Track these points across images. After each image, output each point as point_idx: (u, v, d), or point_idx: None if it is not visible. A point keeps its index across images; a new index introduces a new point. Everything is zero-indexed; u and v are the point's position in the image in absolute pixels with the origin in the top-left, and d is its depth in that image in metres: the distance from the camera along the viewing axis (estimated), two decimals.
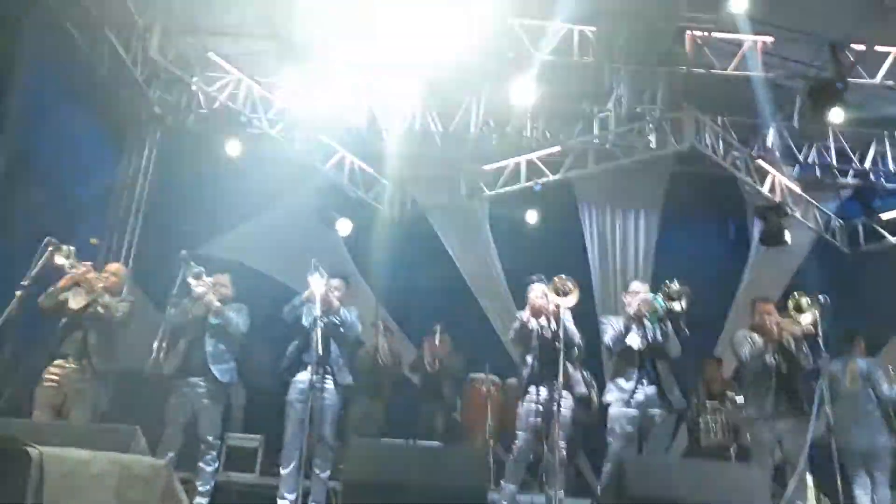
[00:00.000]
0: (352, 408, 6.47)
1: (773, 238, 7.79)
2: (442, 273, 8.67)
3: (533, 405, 4.67)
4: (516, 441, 4.73)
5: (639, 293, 4.99)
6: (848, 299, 7.17)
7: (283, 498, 4.76)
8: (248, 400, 6.25)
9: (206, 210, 7.98)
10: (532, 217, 8.21)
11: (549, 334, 4.75)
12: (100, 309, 4.73)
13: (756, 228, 8.45)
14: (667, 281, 4.91)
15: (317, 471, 4.83)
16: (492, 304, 8.43)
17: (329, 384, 4.87)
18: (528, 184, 8.24)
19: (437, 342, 6.97)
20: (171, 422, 4.86)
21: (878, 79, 7.04)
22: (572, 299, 4.71)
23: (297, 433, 4.76)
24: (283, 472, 4.79)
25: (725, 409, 6.45)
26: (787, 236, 7.78)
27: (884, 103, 8.00)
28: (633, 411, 4.63)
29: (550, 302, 4.77)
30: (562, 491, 4.55)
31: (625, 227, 9.12)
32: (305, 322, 4.85)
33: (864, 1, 6.55)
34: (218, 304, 5.01)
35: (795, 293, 5.01)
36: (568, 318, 4.80)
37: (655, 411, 4.67)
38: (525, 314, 4.88)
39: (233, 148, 7.31)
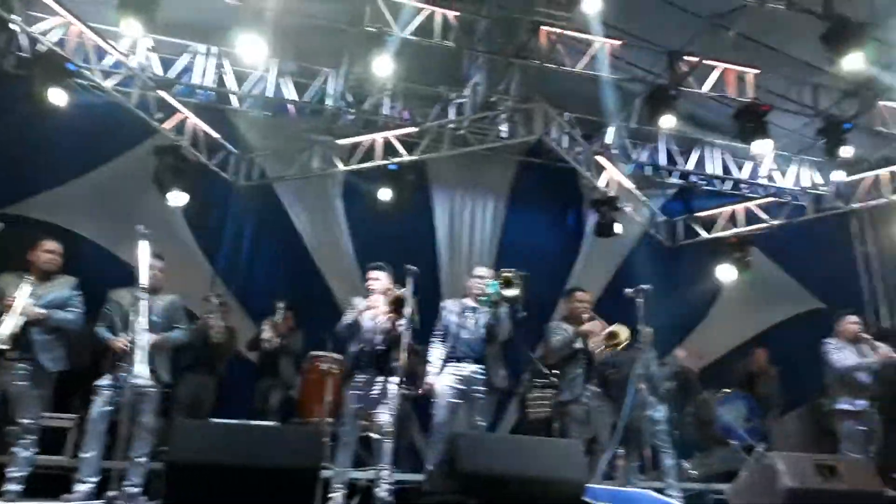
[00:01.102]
0: (180, 387, 6.13)
1: (604, 230, 8.35)
2: (288, 248, 8.40)
3: (358, 392, 4.70)
4: (342, 427, 4.76)
5: (483, 278, 5.15)
6: (666, 288, 7.90)
7: (81, 482, 4.42)
8: (61, 377, 5.71)
9: (23, 165, 7.16)
10: (385, 196, 8.16)
11: (382, 329, 4.79)
12: None
13: (590, 220, 9.01)
14: (503, 269, 5.09)
15: (134, 453, 4.52)
16: (339, 282, 8.30)
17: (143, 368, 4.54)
18: (383, 162, 8.19)
19: (279, 319, 6.78)
20: None
21: (705, 89, 7.74)
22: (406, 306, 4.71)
23: (102, 416, 4.46)
24: (82, 455, 4.48)
25: (553, 385, 6.86)
26: (618, 229, 8.38)
27: (708, 112, 8.84)
28: (458, 387, 4.79)
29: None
30: (389, 467, 4.64)
31: (473, 212, 9.37)
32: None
33: (698, 18, 7.16)
34: (41, 311, 4.51)
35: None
36: (407, 311, 4.85)
37: (479, 388, 4.87)
38: (355, 315, 4.83)
39: (58, 98, 6.55)
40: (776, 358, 8.10)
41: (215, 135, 8.10)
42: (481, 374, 4.90)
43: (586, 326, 5.43)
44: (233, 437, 3.71)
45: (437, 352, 4.93)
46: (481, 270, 5.25)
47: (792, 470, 3.74)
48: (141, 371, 4.27)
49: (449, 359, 4.88)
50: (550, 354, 5.82)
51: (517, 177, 9.50)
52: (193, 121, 7.90)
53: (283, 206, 8.53)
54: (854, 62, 6.31)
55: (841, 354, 5.70)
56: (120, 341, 4.53)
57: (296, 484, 3.56)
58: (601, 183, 8.61)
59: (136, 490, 4.47)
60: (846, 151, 7.89)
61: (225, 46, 7.44)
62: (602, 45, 7.36)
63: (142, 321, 4.33)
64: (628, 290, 5.60)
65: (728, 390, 7.41)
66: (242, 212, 8.36)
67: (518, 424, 7.18)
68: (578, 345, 5.42)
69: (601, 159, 8.61)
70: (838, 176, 9.16)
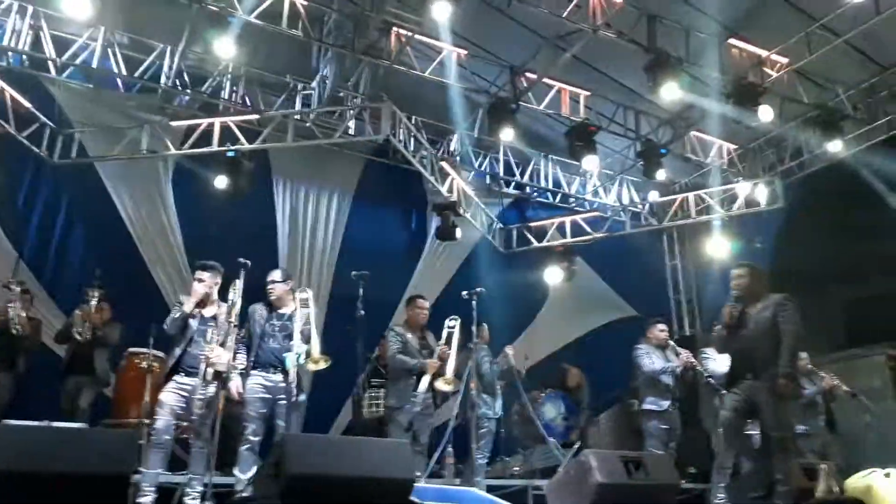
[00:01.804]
0: None
1: (446, 233, 8.56)
2: (109, 234, 7.67)
3: (176, 393, 4.46)
4: (154, 426, 4.48)
5: (276, 282, 4.98)
6: (500, 292, 8.26)
7: None
8: None
9: None
10: (222, 184, 7.72)
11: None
12: None
13: (433, 223, 9.19)
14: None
15: None
16: (165, 273, 7.73)
17: None
18: (220, 148, 7.76)
19: (91, 309, 6.18)
20: None
21: (542, 106, 8.19)
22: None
23: None
24: None
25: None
26: (458, 233, 8.62)
27: (544, 128, 9.38)
28: (264, 395, 4.67)
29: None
30: (203, 473, 4.46)
31: (317, 206, 9.17)
32: None
33: (538, 37, 7.57)
34: None
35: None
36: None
37: (285, 397, 4.72)
38: (189, 305, 4.61)
39: None
40: (594, 360, 8.76)
41: (27, 105, 7.24)
42: (287, 382, 4.69)
43: (430, 363, 5.49)
44: (30, 441, 3.32)
45: (241, 357, 4.71)
46: (274, 274, 5.01)
47: (602, 466, 4.03)
48: None
49: (255, 365, 4.71)
50: (388, 360, 5.85)
51: (364, 174, 9.44)
52: (2, 87, 7.00)
53: (105, 189, 7.79)
54: (671, 92, 7.02)
55: (650, 359, 6.27)
56: None
57: (104, 492, 3.27)
58: (444, 188, 8.81)
59: None
60: (661, 174, 8.73)
61: (44, 7, 6.70)
62: (450, 52, 7.54)
63: None
64: (465, 293, 5.84)
65: (549, 389, 7.88)
66: (57, 192, 7.56)
67: (352, 424, 7.13)
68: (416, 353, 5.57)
69: (445, 165, 8.80)
70: (653, 196, 10.15)
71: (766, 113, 7.46)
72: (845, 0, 6.15)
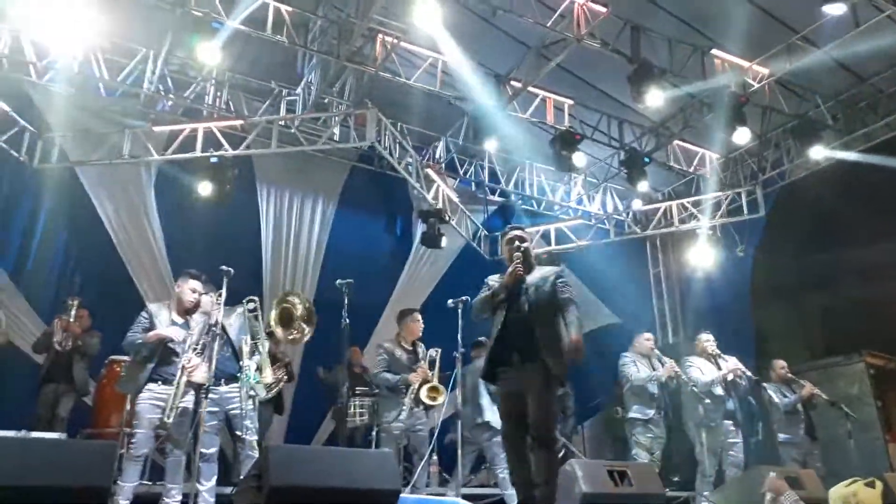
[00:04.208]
0: None
1: (431, 240, 8.54)
2: (90, 240, 7.58)
3: (152, 404, 4.40)
4: (133, 439, 4.43)
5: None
6: None
7: None
8: None
9: None
10: (206, 190, 7.64)
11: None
12: None
13: (418, 230, 9.18)
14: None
15: None
16: (148, 281, 7.66)
17: None
18: (204, 154, 7.69)
19: (71, 319, 6.10)
20: None
21: (527, 114, 8.21)
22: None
23: None
24: None
25: (373, 394, 6.87)
26: (444, 240, 8.61)
27: (529, 136, 9.39)
28: (211, 409, 4.63)
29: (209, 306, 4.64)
30: (178, 484, 4.48)
31: (301, 212, 9.14)
32: None
33: (523, 46, 7.60)
34: None
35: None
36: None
37: (236, 406, 4.76)
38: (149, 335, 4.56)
39: None
40: (578, 368, 8.71)
41: (6, 108, 7.14)
42: (236, 391, 4.75)
43: (412, 377, 5.52)
44: (4, 453, 3.24)
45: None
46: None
47: (587, 476, 4.03)
48: None
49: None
50: (372, 378, 5.85)
51: (349, 181, 9.42)
52: None
53: (87, 195, 7.69)
54: (655, 99, 7.07)
55: (636, 367, 6.29)
56: None
57: None
58: (430, 195, 8.79)
59: None
60: (643, 186, 8.75)
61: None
62: (434, 59, 7.53)
63: None
64: (451, 301, 5.83)
65: None
66: (37, 198, 7.45)
67: (335, 434, 7.08)
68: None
69: (430, 172, 8.79)
70: (637, 204, 10.20)
71: (742, 136, 7.56)
72: (825, 12, 6.21)
